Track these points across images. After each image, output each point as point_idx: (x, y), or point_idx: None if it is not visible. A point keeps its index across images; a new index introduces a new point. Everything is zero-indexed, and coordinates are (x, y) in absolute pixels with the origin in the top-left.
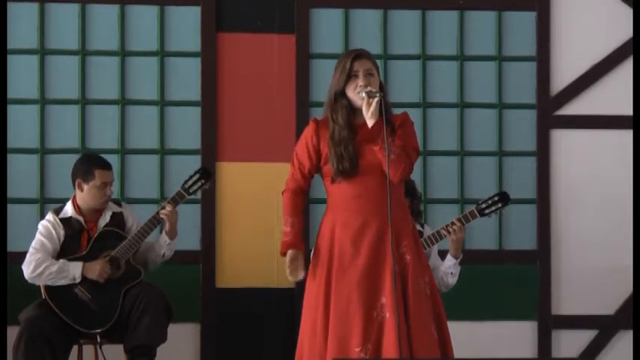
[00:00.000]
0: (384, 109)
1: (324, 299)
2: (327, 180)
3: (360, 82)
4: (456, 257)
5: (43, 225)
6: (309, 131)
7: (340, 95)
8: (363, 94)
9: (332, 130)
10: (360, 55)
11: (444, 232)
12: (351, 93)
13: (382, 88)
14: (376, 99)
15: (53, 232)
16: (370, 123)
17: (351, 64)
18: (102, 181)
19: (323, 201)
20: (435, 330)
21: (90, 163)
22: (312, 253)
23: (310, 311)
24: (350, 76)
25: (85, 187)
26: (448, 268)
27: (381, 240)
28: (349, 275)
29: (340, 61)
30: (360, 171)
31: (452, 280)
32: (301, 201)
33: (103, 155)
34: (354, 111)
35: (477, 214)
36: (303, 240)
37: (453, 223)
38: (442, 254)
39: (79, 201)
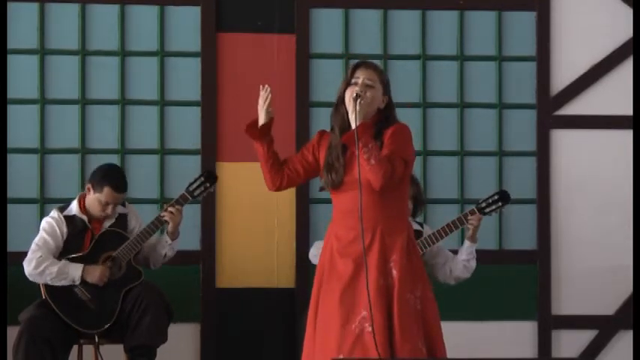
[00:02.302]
0: (388, 116)
1: (314, 309)
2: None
3: (357, 88)
4: (475, 242)
5: (47, 222)
6: (314, 139)
7: (341, 103)
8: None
9: (330, 139)
10: (364, 63)
11: (464, 220)
12: (346, 100)
13: (389, 104)
14: (358, 100)
15: (57, 229)
16: (353, 125)
17: (353, 72)
18: (106, 200)
19: (323, 201)
20: (424, 345)
21: (106, 178)
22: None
23: (308, 319)
24: (349, 84)
25: (92, 194)
26: (470, 254)
27: (368, 254)
28: (333, 287)
29: (348, 70)
30: (349, 186)
31: (474, 263)
32: (280, 162)
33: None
34: (347, 120)
35: (477, 212)
36: (269, 137)
37: (472, 212)
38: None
39: (86, 201)
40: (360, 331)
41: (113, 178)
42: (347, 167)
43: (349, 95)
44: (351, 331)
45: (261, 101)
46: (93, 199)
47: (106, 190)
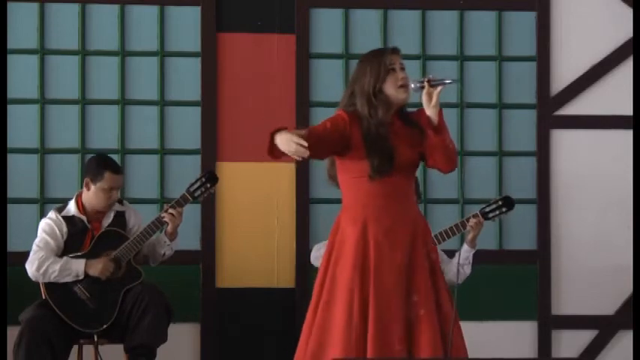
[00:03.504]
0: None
1: (359, 289)
2: (352, 175)
3: (401, 75)
4: (473, 247)
5: (46, 223)
6: (342, 117)
7: (379, 91)
8: (418, 85)
9: (367, 127)
10: (394, 49)
11: (467, 224)
12: (391, 88)
13: None
14: (439, 88)
15: (56, 229)
16: (433, 113)
17: (388, 58)
18: (110, 185)
19: (323, 201)
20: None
21: (102, 165)
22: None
23: (343, 297)
24: (389, 71)
25: (92, 187)
26: (465, 260)
27: (413, 238)
28: (389, 271)
29: (373, 57)
30: (396, 170)
31: (468, 270)
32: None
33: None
34: (388, 108)
35: (481, 217)
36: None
37: (475, 215)
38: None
39: (84, 200)
40: (414, 316)
41: (108, 162)
42: (395, 153)
43: (393, 83)
44: (408, 316)
45: (294, 146)
46: (95, 192)
47: (107, 174)
